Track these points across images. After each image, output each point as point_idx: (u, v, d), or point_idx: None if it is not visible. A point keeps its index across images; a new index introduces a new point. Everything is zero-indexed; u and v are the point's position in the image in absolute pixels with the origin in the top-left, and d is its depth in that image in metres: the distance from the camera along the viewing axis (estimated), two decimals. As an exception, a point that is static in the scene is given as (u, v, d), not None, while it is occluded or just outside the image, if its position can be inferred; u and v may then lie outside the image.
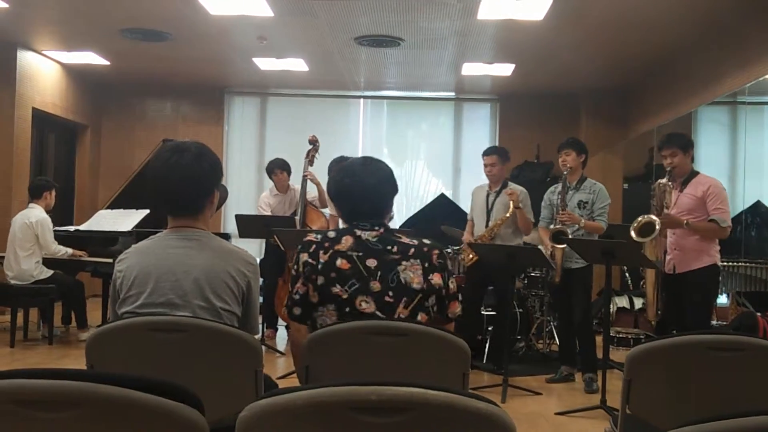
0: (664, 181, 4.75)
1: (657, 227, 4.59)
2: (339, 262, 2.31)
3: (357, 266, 2.30)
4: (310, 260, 2.34)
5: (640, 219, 4.71)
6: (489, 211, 5.75)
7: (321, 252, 2.34)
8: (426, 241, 2.41)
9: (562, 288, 5.40)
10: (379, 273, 2.29)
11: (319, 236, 2.40)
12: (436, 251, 2.38)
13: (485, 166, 5.81)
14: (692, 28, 6.84)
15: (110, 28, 7.44)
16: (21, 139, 8.42)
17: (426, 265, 2.34)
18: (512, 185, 5.77)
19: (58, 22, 7.55)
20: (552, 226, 5.37)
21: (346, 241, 2.35)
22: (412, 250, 2.35)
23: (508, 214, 5.59)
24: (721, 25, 6.62)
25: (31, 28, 7.77)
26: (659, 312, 4.98)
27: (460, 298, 2.49)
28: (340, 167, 2.54)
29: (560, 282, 5.37)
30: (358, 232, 2.37)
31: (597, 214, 5.31)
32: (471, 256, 5.72)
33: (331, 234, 2.39)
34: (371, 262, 2.31)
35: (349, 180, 2.44)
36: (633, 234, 4.69)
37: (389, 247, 2.34)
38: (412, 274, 2.31)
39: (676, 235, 4.76)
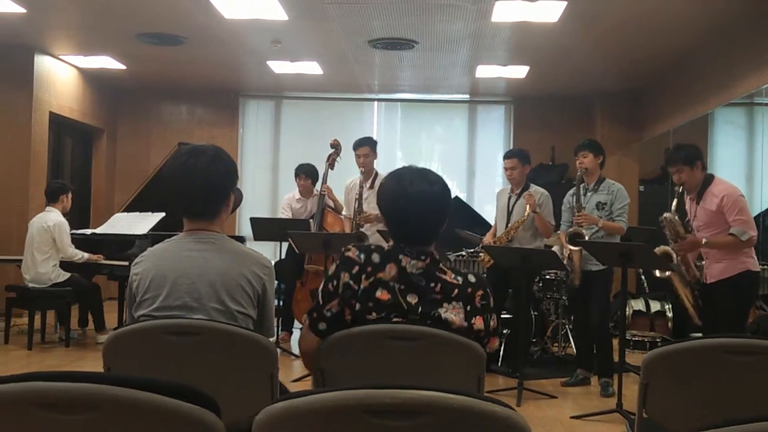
0: (668, 216, 4.69)
1: (675, 261, 4.59)
2: (379, 292, 2.17)
3: (397, 299, 2.17)
4: (351, 283, 2.19)
5: (656, 251, 4.68)
6: (509, 214, 5.74)
7: (363, 276, 2.18)
8: (471, 278, 2.24)
9: (581, 290, 5.36)
10: (420, 309, 2.17)
11: (362, 256, 2.22)
12: (480, 292, 2.22)
13: (505, 169, 5.80)
14: (707, 30, 6.80)
15: (126, 32, 7.49)
16: (38, 143, 8.49)
17: (468, 308, 2.19)
18: (534, 188, 5.75)
19: (74, 27, 7.61)
20: (569, 229, 5.35)
21: (390, 270, 2.18)
22: (456, 291, 2.19)
23: (524, 217, 5.57)
24: (735, 27, 6.57)
25: (48, 33, 7.84)
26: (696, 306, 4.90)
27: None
28: (394, 176, 2.29)
29: (580, 285, 5.33)
30: (403, 262, 2.19)
31: (616, 215, 5.26)
32: (488, 258, 5.72)
33: (376, 258, 2.20)
34: (412, 298, 2.16)
35: (403, 201, 2.22)
36: (657, 272, 4.71)
37: (432, 284, 2.18)
38: (453, 316, 2.17)
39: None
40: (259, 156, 10.55)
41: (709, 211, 4.54)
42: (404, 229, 2.25)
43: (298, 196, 7.10)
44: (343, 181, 6.77)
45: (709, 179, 4.62)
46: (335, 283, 2.21)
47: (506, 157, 5.85)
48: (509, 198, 5.78)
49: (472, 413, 1.36)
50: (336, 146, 6.81)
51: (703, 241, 4.53)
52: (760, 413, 1.22)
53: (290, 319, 6.88)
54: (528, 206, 5.52)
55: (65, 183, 7.06)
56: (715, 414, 2.25)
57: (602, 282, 5.29)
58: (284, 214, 6.97)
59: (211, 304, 2.29)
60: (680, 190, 4.69)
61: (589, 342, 5.48)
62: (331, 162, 6.78)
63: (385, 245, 2.30)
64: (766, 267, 5.93)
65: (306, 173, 7.02)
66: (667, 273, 4.76)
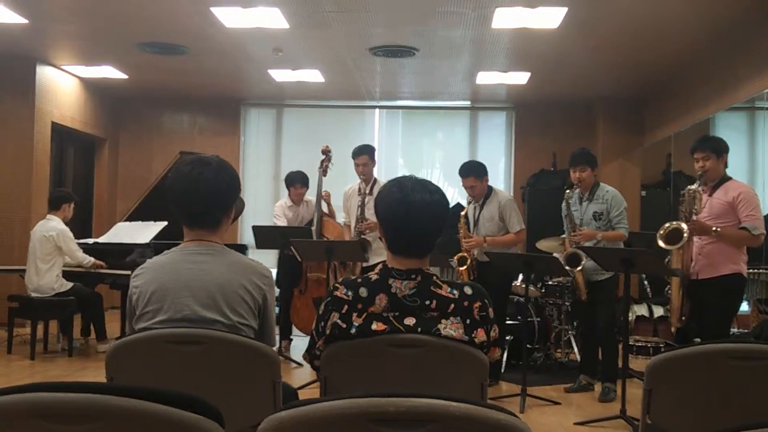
0: (694, 187, 4.61)
1: (685, 235, 4.47)
2: (375, 325, 2.14)
3: (394, 326, 2.14)
4: (340, 323, 2.16)
5: (667, 225, 4.59)
6: (476, 223, 5.73)
7: (354, 314, 2.15)
8: (467, 291, 2.19)
9: (589, 300, 5.35)
10: (419, 329, 2.14)
11: (350, 293, 2.18)
12: (478, 303, 2.18)
13: (465, 188, 5.74)
14: (708, 34, 6.81)
15: (128, 42, 7.52)
16: (40, 153, 8.51)
17: (468, 321, 2.16)
18: (496, 192, 5.76)
19: (76, 37, 7.64)
20: (565, 246, 5.33)
21: (380, 301, 2.15)
22: (452, 306, 2.15)
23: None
24: (736, 31, 6.58)
25: (49, 43, 7.87)
26: (683, 318, 4.83)
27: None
28: (395, 183, 2.24)
29: (587, 297, 5.32)
30: (393, 288, 2.16)
31: (615, 223, 5.26)
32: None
33: (363, 292, 2.16)
34: (409, 321, 2.14)
35: (404, 208, 2.17)
36: (661, 242, 4.59)
37: (427, 302, 2.15)
38: (453, 332, 2.14)
39: (702, 240, 4.60)
40: (261, 164, 10.57)
41: (723, 202, 4.52)
42: (402, 236, 2.20)
43: (289, 203, 7.07)
44: (334, 187, 6.75)
45: (729, 177, 4.64)
46: (324, 324, 2.21)
47: (464, 176, 5.71)
48: (474, 208, 5.78)
49: (475, 421, 1.36)
50: (327, 152, 6.76)
51: (713, 228, 4.47)
52: (765, 419, 1.22)
53: (288, 327, 6.87)
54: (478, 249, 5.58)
55: (70, 193, 7.06)
56: (719, 419, 2.24)
57: (609, 290, 5.29)
58: (279, 220, 6.93)
59: (213, 316, 2.28)
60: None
61: (594, 348, 5.46)
62: (324, 168, 6.75)
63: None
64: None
65: (301, 181, 6.99)
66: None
